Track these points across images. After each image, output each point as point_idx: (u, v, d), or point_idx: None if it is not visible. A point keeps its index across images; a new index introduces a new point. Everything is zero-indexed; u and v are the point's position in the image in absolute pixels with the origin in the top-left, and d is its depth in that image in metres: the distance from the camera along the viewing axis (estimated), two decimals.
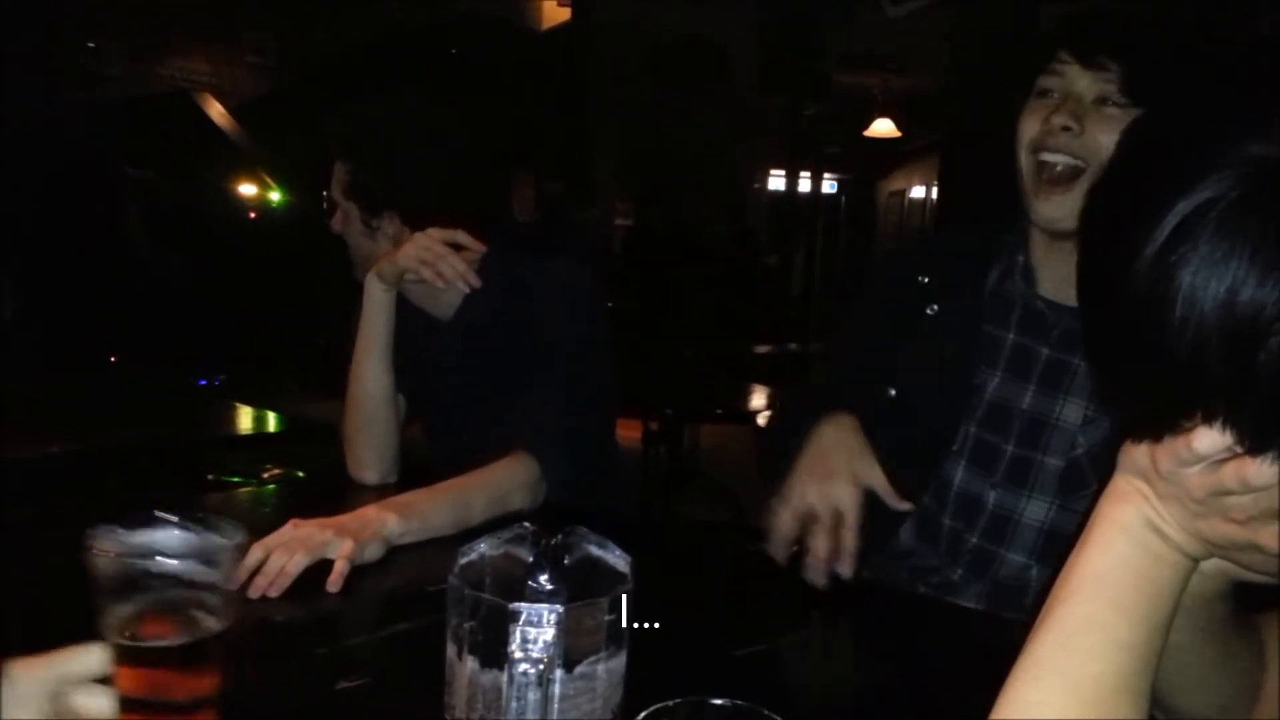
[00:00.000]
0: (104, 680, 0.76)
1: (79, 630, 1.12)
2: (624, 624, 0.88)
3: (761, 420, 3.44)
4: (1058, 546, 1.38)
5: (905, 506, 1.36)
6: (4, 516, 1.52)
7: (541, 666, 0.81)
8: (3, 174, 4.38)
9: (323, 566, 1.26)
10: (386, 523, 1.38)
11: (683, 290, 6.77)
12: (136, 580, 0.76)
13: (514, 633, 0.81)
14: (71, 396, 2.73)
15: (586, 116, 9.50)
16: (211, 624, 0.78)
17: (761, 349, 5.80)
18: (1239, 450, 0.61)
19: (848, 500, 1.31)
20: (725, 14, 8.25)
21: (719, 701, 0.71)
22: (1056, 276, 1.44)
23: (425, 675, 0.93)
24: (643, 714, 0.69)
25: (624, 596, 0.88)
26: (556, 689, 0.83)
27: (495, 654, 0.83)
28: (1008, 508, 1.42)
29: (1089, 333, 0.72)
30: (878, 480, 1.34)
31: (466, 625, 0.86)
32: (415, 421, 1.92)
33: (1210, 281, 0.58)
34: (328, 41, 8.63)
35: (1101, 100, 1.33)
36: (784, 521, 1.34)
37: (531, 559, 0.87)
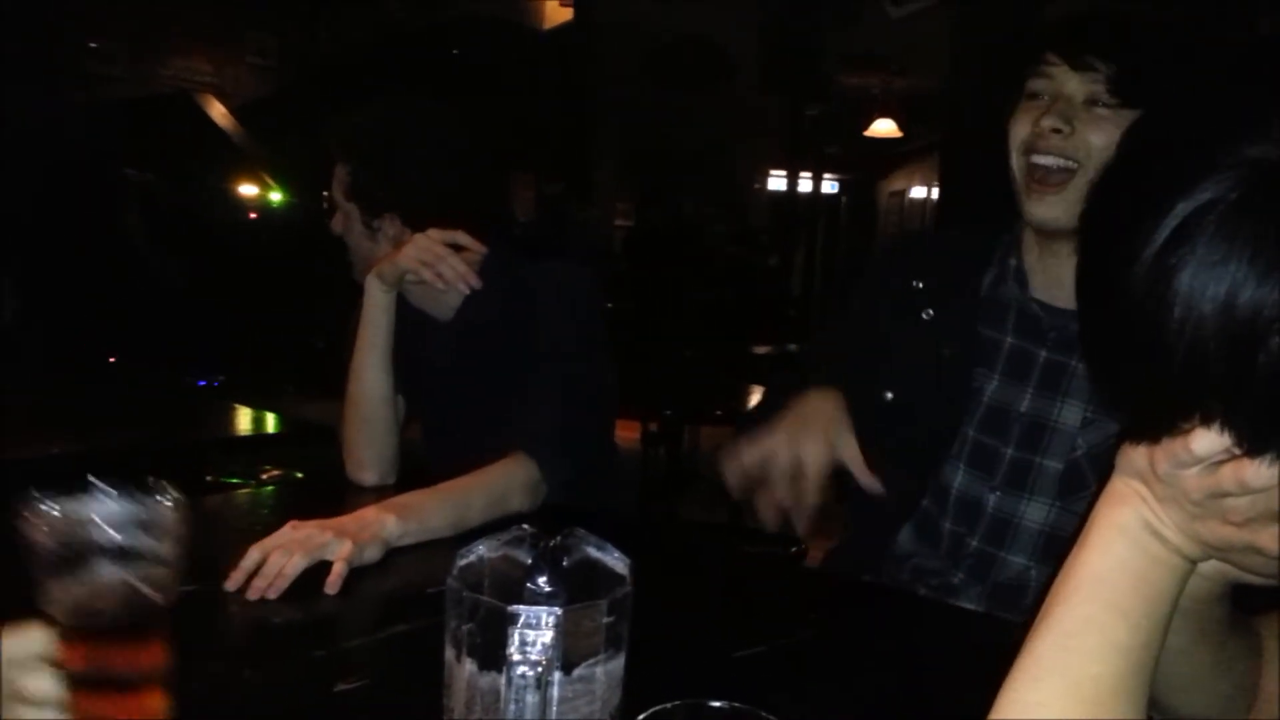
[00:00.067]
0: (49, 659, 0.74)
1: None
2: (622, 626, 0.88)
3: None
4: (1058, 548, 1.37)
5: (875, 487, 1.35)
6: (3, 517, 1.52)
7: (540, 669, 0.81)
8: (3, 174, 4.38)
9: (321, 568, 1.26)
10: (385, 524, 1.38)
11: (682, 291, 6.76)
12: (74, 553, 0.74)
13: (512, 635, 0.81)
14: (70, 397, 2.73)
15: (587, 116, 9.51)
16: (155, 596, 0.76)
17: (761, 349, 5.79)
18: (1237, 452, 0.61)
19: (813, 456, 1.31)
20: (726, 14, 8.25)
21: (717, 704, 0.71)
22: (1049, 279, 1.44)
23: (424, 677, 0.93)
24: (641, 716, 0.69)
25: (623, 599, 0.88)
26: (555, 691, 0.83)
27: (494, 656, 0.83)
28: (1008, 511, 1.42)
29: (1088, 334, 0.72)
30: (850, 452, 1.34)
31: (465, 627, 0.86)
32: (414, 422, 1.92)
33: (1209, 283, 0.58)
34: (329, 42, 8.64)
35: (1091, 101, 1.33)
36: (747, 453, 1.34)
37: (530, 561, 0.87)
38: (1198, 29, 1.41)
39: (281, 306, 6.19)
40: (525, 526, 0.93)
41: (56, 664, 0.74)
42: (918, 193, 11.88)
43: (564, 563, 0.87)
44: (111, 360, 4.62)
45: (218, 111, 7.01)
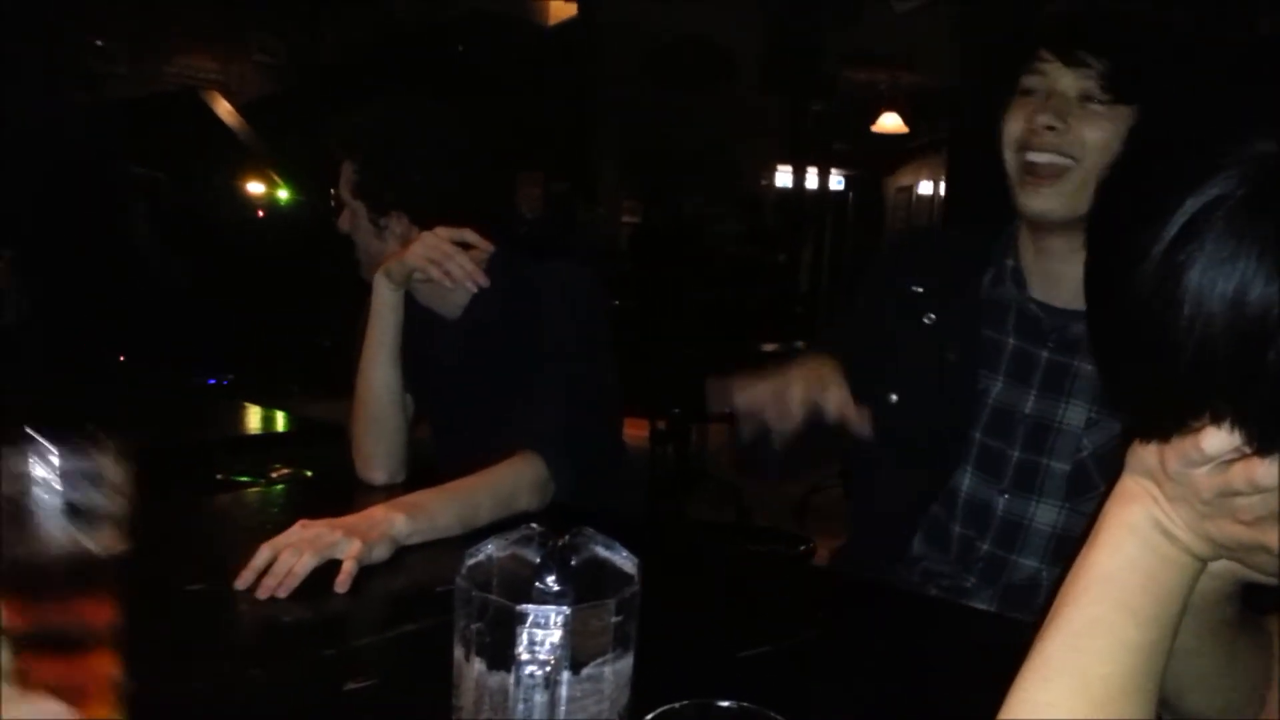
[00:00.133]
0: None
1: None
2: (631, 626, 0.88)
3: None
4: (1069, 550, 1.37)
5: (865, 431, 1.35)
6: None
7: (548, 668, 0.81)
8: (7, 173, 4.38)
9: (331, 567, 1.26)
10: (394, 523, 1.38)
11: (689, 288, 6.76)
12: (14, 509, 0.71)
13: (521, 634, 0.81)
14: (78, 397, 2.74)
15: (593, 114, 9.51)
16: (99, 549, 0.73)
17: (769, 347, 5.79)
18: (1247, 451, 0.61)
19: (799, 385, 1.33)
20: (731, 11, 8.25)
21: (726, 703, 0.71)
22: (1046, 279, 1.44)
23: (432, 676, 0.93)
24: (649, 716, 0.69)
25: (631, 598, 0.88)
26: (563, 691, 0.83)
27: (502, 655, 0.83)
28: (1017, 513, 1.42)
29: (1096, 333, 0.72)
30: (837, 395, 1.34)
31: (474, 627, 0.86)
32: (423, 421, 1.92)
33: (1218, 281, 0.58)
34: (335, 40, 8.64)
35: (1085, 98, 1.32)
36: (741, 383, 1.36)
37: (539, 560, 0.87)
38: (1192, 24, 1.40)
39: (290, 305, 6.21)
40: (534, 525, 0.93)
41: (1, 627, 0.71)
42: (925, 188, 11.85)
43: (572, 562, 0.87)
44: (120, 359, 4.64)
45: (224, 109, 7.03)
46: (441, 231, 1.67)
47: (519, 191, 5.84)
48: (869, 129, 9.97)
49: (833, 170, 11.71)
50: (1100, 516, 0.71)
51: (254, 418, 2.70)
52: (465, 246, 1.68)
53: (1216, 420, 0.61)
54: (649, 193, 9.91)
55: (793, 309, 9.27)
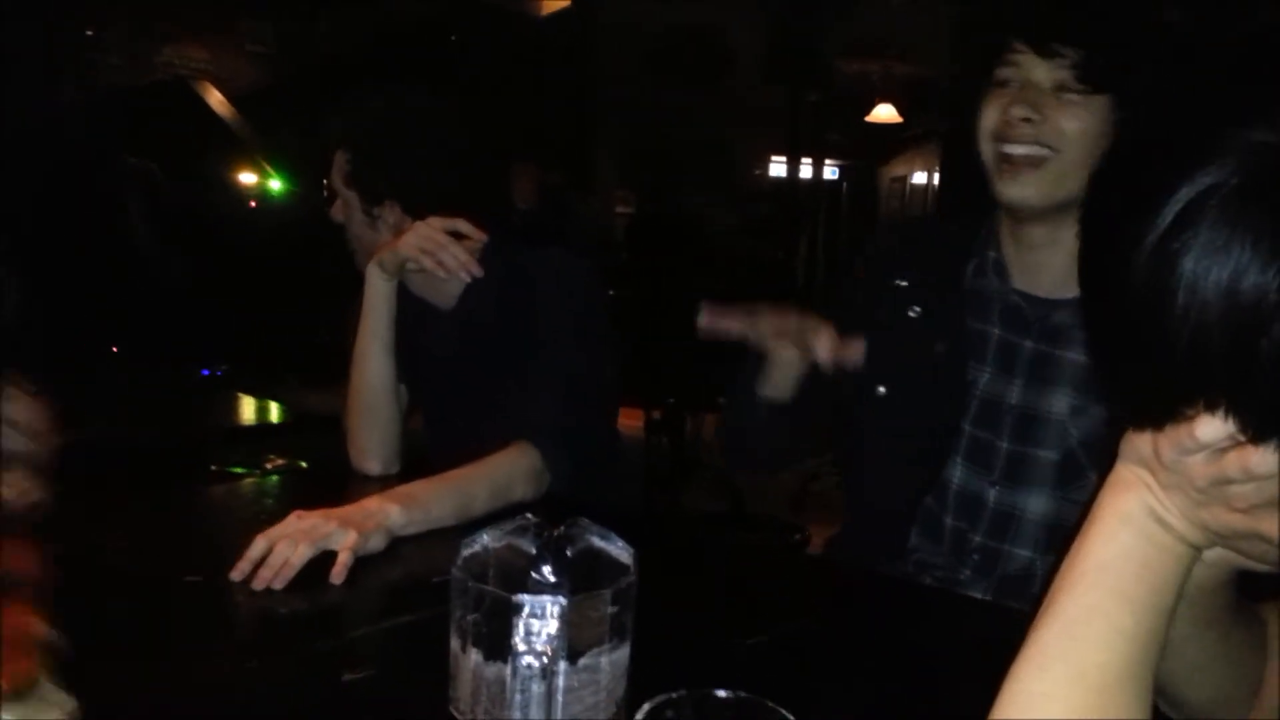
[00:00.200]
0: None
1: (83, 623, 1.12)
2: (627, 616, 0.88)
3: None
4: (1062, 539, 1.37)
5: (857, 357, 1.38)
6: None
7: (545, 658, 0.82)
8: (1, 163, 4.36)
9: (326, 558, 1.26)
10: (389, 514, 1.38)
11: (684, 278, 6.75)
12: None
13: (517, 625, 0.82)
14: (73, 387, 2.73)
15: (587, 104, 9.49)
16: (16, 494, 0.72)
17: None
18: (1241, 438, 0.61)
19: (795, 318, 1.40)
20: (726, 0, 8.23)
21: (723, 693, 0.71)
22: (1027, 269, 1.44)
23: (429, 667, 0.93)
24: (646, 705, 0.69)
25: (627, 588, 0.88)
26: (560, 681, 0.83)
27: (499, 646, 0.83)
28: (1008, 504, 1.42)
29: (1090, 321, 0.72)
30: (827, 335, 1.38)
31: (470, 617, 0.86)
32: (417, 411, 1.92)
33: (1212, 269, 0.58)
34: (327, 29, 8.60)
35: (1060, 88, 1.32)
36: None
37: (534, 550, 0.87)
38: (1159, 10, 1.40)
39: (283, 296, 6.18)
40: (529, 516, 0.93)
41: None
42: (919, 178, 11.84)
43: (568, 552, 0.88)
44: (114, 350, 4.62)
45: (216, 99, 6.99)
46: (434, 221, 1.66)
47: (513, 181, 5.82)
48: (863, 119, 9.96)
49: (827, 161, 11.69)
50: (1095, 505, 0.71)
51: (248, 409, 2.70)
52: (458, 236, 1.67)
53: (1211, 408, 0.61)
54: (643, 183, 9.89)
55: (786, 298, 9.26)
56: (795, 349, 1.43)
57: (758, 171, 11.62)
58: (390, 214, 1.76)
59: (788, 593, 1.39)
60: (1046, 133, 1.32)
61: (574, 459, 1.63)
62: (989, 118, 1.38)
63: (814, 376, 1.48)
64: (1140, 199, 0.62)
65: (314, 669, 1.04)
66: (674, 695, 0.70)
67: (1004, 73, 1.37)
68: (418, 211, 1.71)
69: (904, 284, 1.49)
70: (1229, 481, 0.63)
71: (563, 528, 0.91)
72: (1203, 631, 0.77)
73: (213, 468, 2.12)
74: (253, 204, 6.92)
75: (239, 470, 2.16)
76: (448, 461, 1.56)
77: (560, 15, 9.26)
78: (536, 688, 0.82)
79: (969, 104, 1.43)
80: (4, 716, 0.69)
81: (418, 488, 1.47)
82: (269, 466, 2.18)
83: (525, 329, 1.72)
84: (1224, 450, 0.62)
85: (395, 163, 1.74)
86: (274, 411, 2.58)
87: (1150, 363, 0.63)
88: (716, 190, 9.87)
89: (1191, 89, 0.69)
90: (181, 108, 6.88)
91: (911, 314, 1.50)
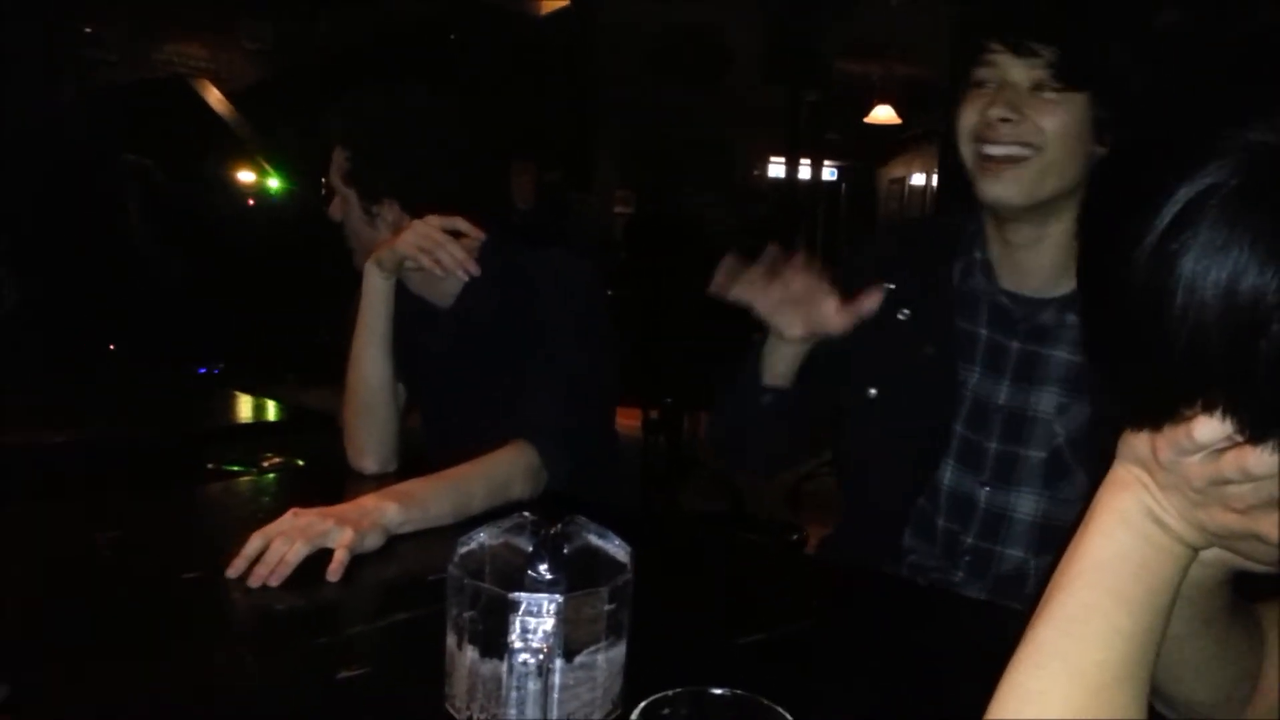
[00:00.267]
0: None
1: (80, 618, 1.12)
2: (624, 614, 0.88)
3: None
4: (1052, 538, 1.39)
5: (873, 303, 1.39)
6: (5, 506, 1.52)
7: (541, 656, 0.82)
8: (0, 160, 4.36)
9: (323, 556, 1.26)
10: (386, 512, 1.38)
11: (682, 278, 6.75)
12: None
13: (514, 622, 0.81)
14: (70, 385, 2.73)
15: (586, 103, 9.48)
16: None
17: (761, 335, 5.76)
18: (1239, 439, 0.61)
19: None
20: (726, 1, 8.23)
21: (719, 691, 0.71)
22: (1013, 269, 1.44)
23: (425, 665, 0.93)
24: (643, 704, 0.69)
25: (624, 586, 0.88)
26: (556, 679, 0.83)
27: (495, 643, 0.83)
28: (999, 504, 1.42)
29: (1089, 321, 0.72)
30: (832, 301, 1.41)
31: (466, 615, 0.86)
32: (415, 410, 1.92)
33: (1211, 269, 0.58)
34: (325, 27, 8.60)
35: (1038, 86, 1.32)
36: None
37: (531, 548, 0.87)
38: (1134, 7, 1.40)
39: (281, 293, 6.19)
40: (526, 514, 0.93)
41: None
42: (918, 179, 11.85)
43: (565, 550, 0.88)
44: (111, 348, 4.62)
45: (214, 97, 6.99)
46: (432, 220, 1.66)
47: (511, 181, 5.82)
48: (862, 120, 9.96)
49: (826, 161, 11.70)
50: (1092, 504, 0.71)
51: (245, 407, 2.69)
52: (456, 235, 1.67)
53: (1208, 408, 0.61)
54: (642, 183, 9.90)
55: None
56: (800, 322, 1.42)
57: (757, 172, 11.63)
58: (389, 212, 1.76)
59: (785, 592, 1.39)
60: (1026, 132, 1.32)
61: (572, 458, 1.63)
62: (968, 118, 1.38)
63: (811, 368, 1.48)
64: (1139, 199, 0.62)
65: (310, 666, 1.04)
66: (670, 693, 0.70)
67: (981, 73, 1.37)
68: (416, 210, 1.71)
69: (891, 286, 1.49)
70: (1226, 482, 0.63)
71: (560, 526, 0.91)
72: (1200, 631, 0.77)
73: (210, 465, 2.12)
74: (251, 202, 6.92)
75: (236, 468, 2.16)
76: (445, 460, 1.56)
77: (559, 14, 9.26)
78: (532, 685, 0.82)
79: (949, 105, 1.43)
80: None
81: (415, 486, 1.47)
82: (266, 464, 2.18)
83: (523, 328, 1.72)
84: (1222, 451, 0.62)
85: (394, 161, 1.73)
86: (271, 410, 2.58)
87: (1148, 363, 0.63)
88: (715, 190, 9.87)
89: (1191, 89, 0.69)
90: (180, 106, 6.88)
91: (901, 316, 1.50)
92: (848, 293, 1.59)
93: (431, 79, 1.93)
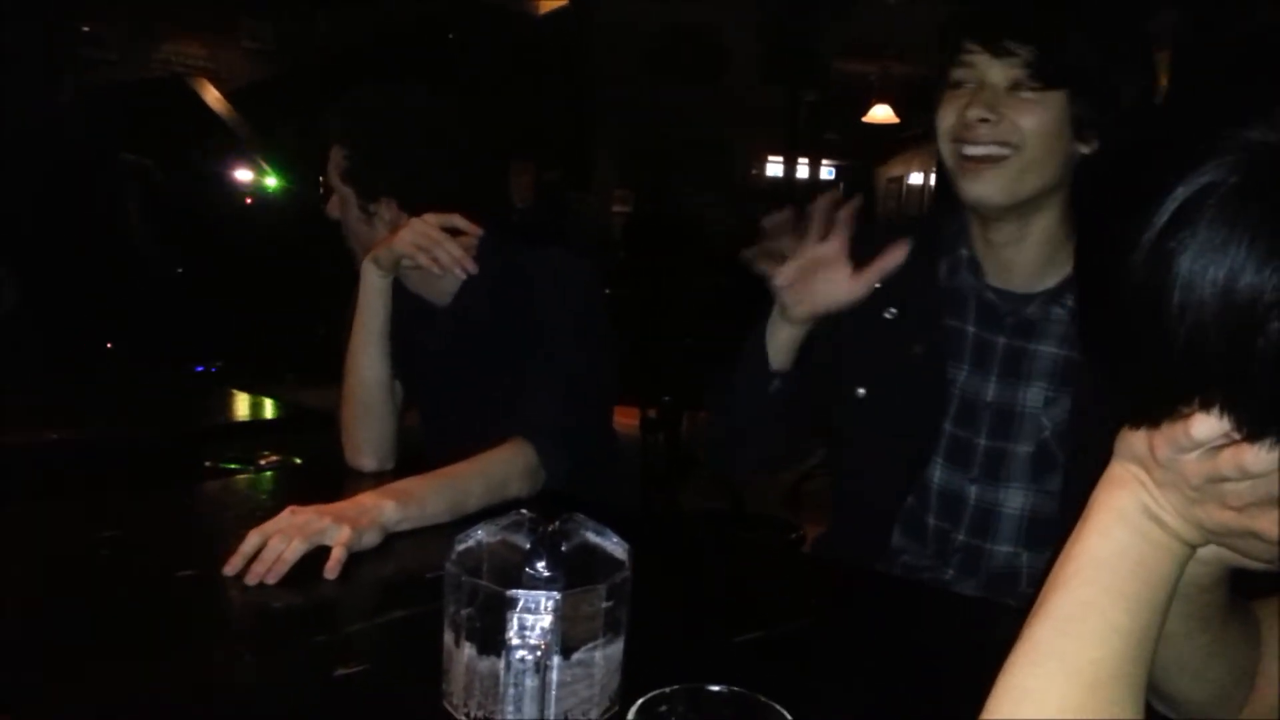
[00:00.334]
0: None
1: (79, 617, 1.12)
2: (621, 611, 0.88)
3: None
4: (1040, 530, 1.39)
5: (898, 256, 1.39)
6: (4, 505, 1.52)
7: (539, 653, 0.82)
8: None
9: (320, 553, 1.26)
10: (384, 509, 1.38)
11: (681, 277, 6.75)
12: None
13: (511, 619, 0.81)
14: (68, 384, 2.73)
15: (585, 102, 9.48)
16: None
17: (761, 326, 5.76)
18: (1237, 436, 0.61)
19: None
20: (726, 0, 8.23)
21: (716, 688, 0.71)
22: (999, 265, 1.44)
23: (423, 662, 0.93)
24: (640, 701, 0.69)
25: (622, 583, 0.88)
26: (554, 676, 0.83)
27: (492, 641, 0.83)
28: (989, 501, 1.43)
29: (1087, 319, 0.72)
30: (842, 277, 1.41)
31: (464, 612, 0.86)
32: (413, 408, 1.91)
33: (1209, 267, 0.58)
34: (324, 27, 8.60)
35: (1015, 85, 1.32)
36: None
37: (529, 545, 0.87)
38: (1107, 5, 1.40)
39: (279, 292, 6.18)
40: (524, 511, 0.93)
41: None
42: (915, 179, 11.85)
43: (563, 547, 0.88)
44: (109, 346, 4.62)
45: (213, 96, 6.99)
46: (430, 218, 1.66)
47: (510, 180, 5.82)
48: (861, 120, 9.97)
49: (824, 161, 11.70)
50: (1090, 502, 0.71)
51: (242, 405, 2.69)
52: (454, 232, 1.67)
53: (1206, 406, 0.61)
54: (641, 183, 9.90)
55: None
56: (807, 300, 1.43)
57: (755, 171, 11.63)
58: (386, 210, 1.76)
59: (782, 590, 1.39)
60: (1004, 132, 1.32)
61: (570, 457, 1.63)
62: (946, 119, 1.38)
63: (809, 358, 1.47)
64: (1138, 198, 0.62)
65: (308, 664, 1.04)
66: (668, 690, 0.70)
67: (959, 74, 1.37)
68: (414, 208, 1.70)
69: (876, 285, 1.49)
70: (1224, 479, 0.63)
71: (558, 523, 0.91)
72: (1197, 629, 0.77)
73: (207, 464, 2.12)
74: (249, 201, 6.91)
75: (233, 466, 2.16)
76: (443, 458, 1.56)
77: (558, 14, 9.26)
78: (530, 682, 0.82)
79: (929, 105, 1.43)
80: None
81: (413, 484, 1.47)
82: (263, 462, 2.18)
83: (522, 327, 1.72)
84: (1219, 448, 0.62)
85: (392, 159, 1.73)
86: (269, 408, 2.58)
87: (1146, 361, 0.63)
88: (714, 190, 9.87)
89: (1190, 88, 0.69)
90: (179, 105, 6.87)
91: (888, 315, 1.50)
92: None
93: (430, 78, 1.93)
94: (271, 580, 1.21)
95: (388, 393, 1.75)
